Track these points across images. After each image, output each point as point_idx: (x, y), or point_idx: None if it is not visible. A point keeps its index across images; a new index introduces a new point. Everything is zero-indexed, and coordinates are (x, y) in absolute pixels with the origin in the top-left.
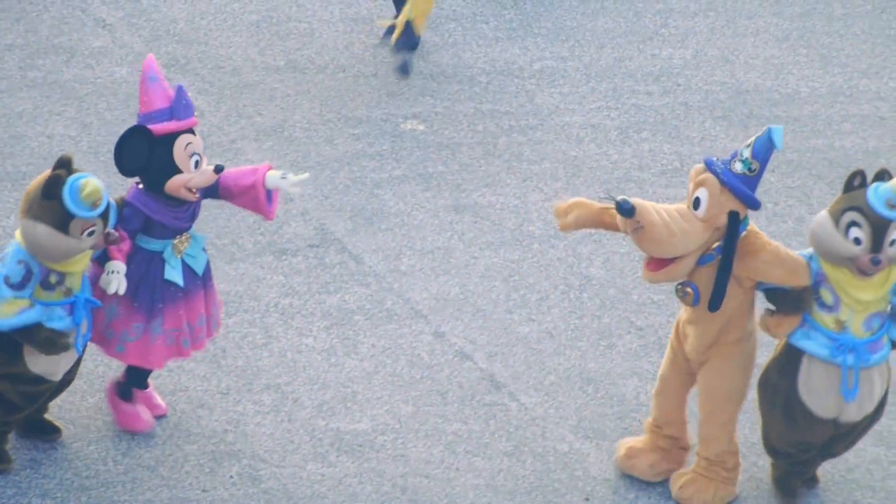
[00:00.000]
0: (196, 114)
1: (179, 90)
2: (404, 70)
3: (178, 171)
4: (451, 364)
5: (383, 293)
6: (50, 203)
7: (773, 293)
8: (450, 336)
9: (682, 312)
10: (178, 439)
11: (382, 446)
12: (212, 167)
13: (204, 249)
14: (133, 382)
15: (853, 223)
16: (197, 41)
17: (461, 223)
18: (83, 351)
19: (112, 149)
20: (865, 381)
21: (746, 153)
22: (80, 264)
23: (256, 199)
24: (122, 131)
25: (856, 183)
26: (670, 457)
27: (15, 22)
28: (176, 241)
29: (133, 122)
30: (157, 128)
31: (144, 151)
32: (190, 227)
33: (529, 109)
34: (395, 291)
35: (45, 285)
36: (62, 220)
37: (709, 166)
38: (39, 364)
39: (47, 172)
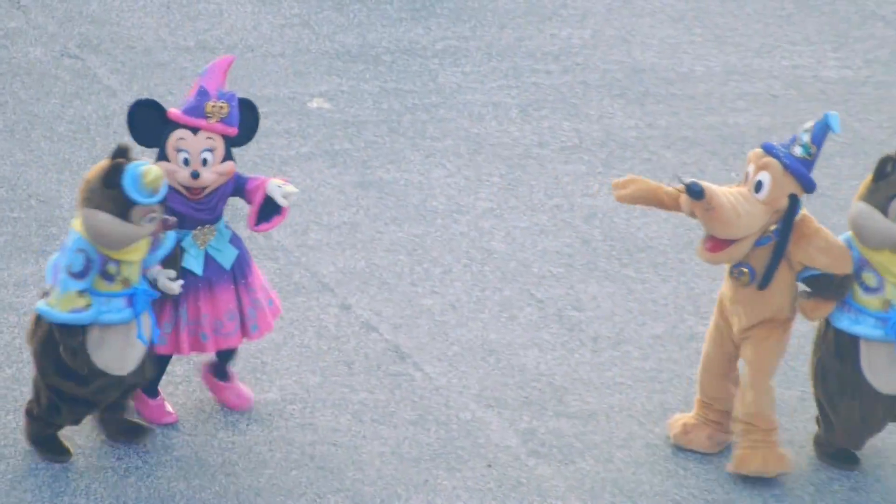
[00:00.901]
0: (109, 95)
1: (202, 91)
2: None
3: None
4: (358, 335)
5: (291, 267)
6: (111, 191)
7: (813, 279)
8: (356, 308)
9: (727, 291)
10: None
11: (291, 415)
12: (189, 172)
13: (233, 243)
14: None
15: None
16: (109, 22)
17: (367, 199)
18: (150, 345)
19: (26, 128)
20: None
21: (806, 138)
22: (138, 253)
23: (254, 203)
24: (35, 112)
25: (888, 169)
26: (724, 428)
27: None
28: (196, 232)
29: (49, 102)
30: (170, 112)
31: (157, 126)
32: (213, 220)
33: (432, 88)
34: (302, 265)
35: (105, 275)
36: (123, 208)
37: (769, 150)
38: (100, 359)
39: (106, 161)
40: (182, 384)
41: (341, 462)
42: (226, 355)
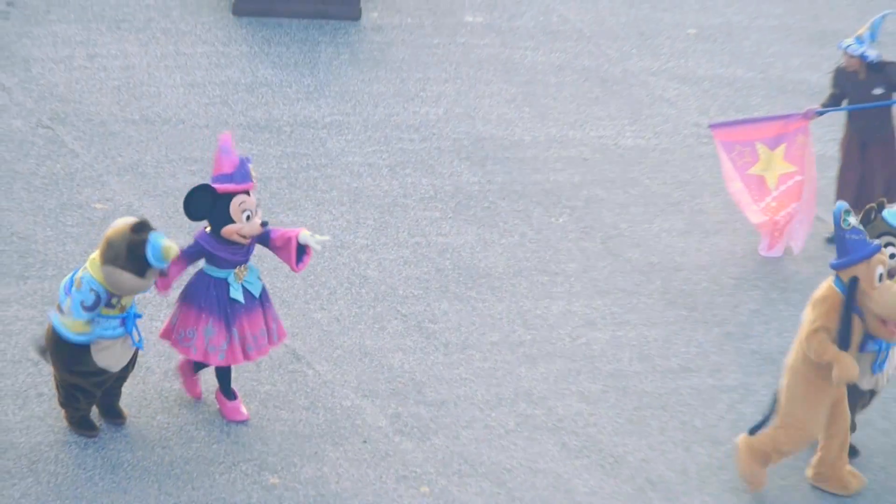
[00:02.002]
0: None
1: (241, 161)
2: None
3: (232, 221)
4: None
5: None
6: (135, 258)
7: None
8: None
9: None
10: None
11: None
12: (259, 221)
13: (259, 277)
14: (220, 382)
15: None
16: (73, 100)
17: None
18: (135, 354)
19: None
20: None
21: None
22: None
23: (289, 251)
24: (16, 169)
25: (872, 216)
26: None
27: None
28: (237, 271)
29: (27, 161)
30: (220, 187)
31: (208, 203)
32: (247, 261)
33: (322, 152)
34: None
35: (108, 305)
36: (142, 270)
37: None
38: (102, 360)
39: (126, 226)
40: (128, 379)
41: (251, 438)
42: (225, 373)
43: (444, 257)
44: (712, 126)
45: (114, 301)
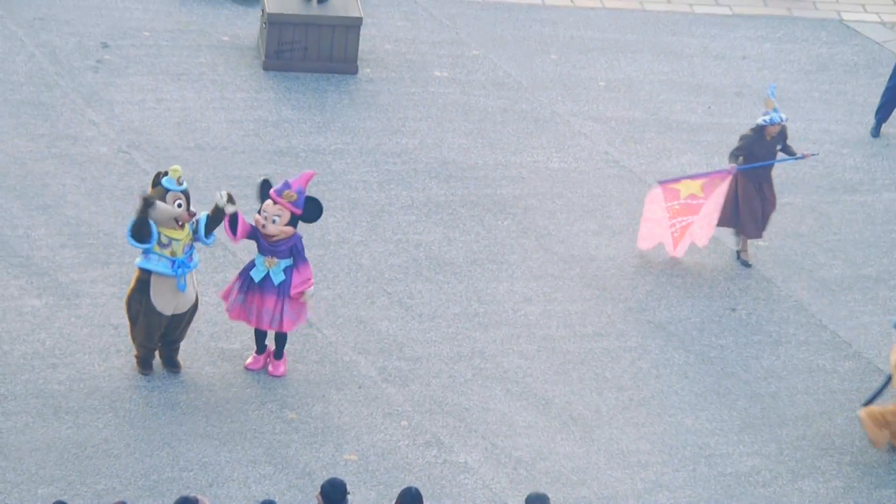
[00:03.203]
0: (151, 176)
1: (286, 183)
2: None
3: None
4: None
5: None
6: (156, 188)
7: None
8: None
9: None
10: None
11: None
12: (272, 228)
13: (283, 272)
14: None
15: None
16: (145, 132)
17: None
18: (185, 315)
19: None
20: None
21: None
22: (180, 235)
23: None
24: (102, 183)
25: None
26: None
27: (44, 121)
28: (267, 258)
29: (110, 178)
30: (271, 192)
31: (265, 192)
32: (278, 256)
33: (328, 171)
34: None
35: (161, 244)
36: (163, 195)
37: None
38: (157, 301)
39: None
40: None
41: (275, 384)
42: (281, 340)
43: (418, 250)
44: (661, 182)
45: (163, 240)
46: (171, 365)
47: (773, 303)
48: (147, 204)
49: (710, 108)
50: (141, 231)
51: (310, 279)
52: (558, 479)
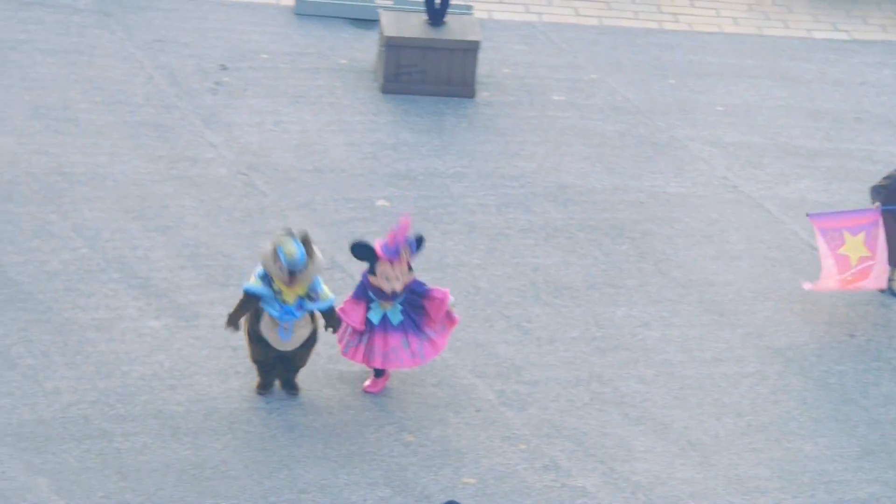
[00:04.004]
0: (269, 198)
1: (396, 243)
2: None
3: (377, 279)
4: None
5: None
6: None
7: None
8: None
9: None
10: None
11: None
12: (397, 286)
13: (401, 312)
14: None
15: None
16: (263, 154)
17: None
18: (296, 353)
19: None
20: None
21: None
22: (290, 296)
23: (439, 311)
24: (221, 205)
25: None
26: None
27: (163, 142)
28: (383, 302)
29: (229, 199)
30: (380, 253)
31: (368, 254)
32: (393, 300)
33: (447, 194)
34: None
35: (273, 289)
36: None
37: None
38: (265, 331)
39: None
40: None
41: (393, 407)
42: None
43: (536, 274)
44: (811, 216)
45: (275, 286)
46: (290, 387)
47: (892, 329)
48: (233, 325)
49: (828, 133)
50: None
51: (443, 292)
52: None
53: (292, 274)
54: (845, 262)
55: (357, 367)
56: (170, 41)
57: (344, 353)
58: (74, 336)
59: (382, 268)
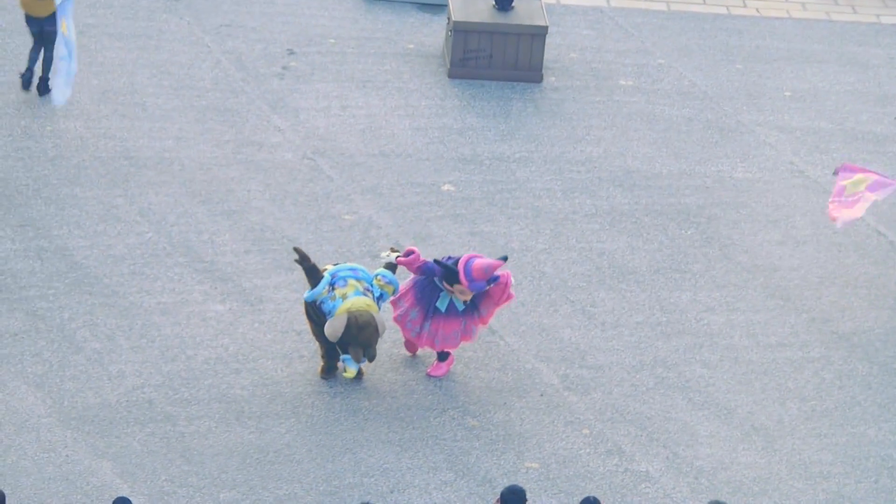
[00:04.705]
0: (335, 183)
1: (482, 279)
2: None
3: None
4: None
5: None
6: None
7: None
8: None
9: None
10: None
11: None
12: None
13: (465, 302)
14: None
15: None
16: (329, 139)
17: (473, 242)
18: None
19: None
20: None
21: None
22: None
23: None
24: (287, 189)
25: None
26: None
27: (230, 127)
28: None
29: (294, 184)
30: (462, 277)
31: (453, 274)
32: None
33: (512, 179)
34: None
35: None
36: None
37: None
38: (327, 328)
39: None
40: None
41: (457, 391)
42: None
43: (602, 258)
44: (841, 168)
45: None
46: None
47: None
48: (300, 254)
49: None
50: (309, 278)
51: (506, 274)
52: (739, 489)
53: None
54: (841, 191)
55: (420, 350)
56: (237, 26)
57: (413, 338)
58: (139, 320)
59: (461, 288)
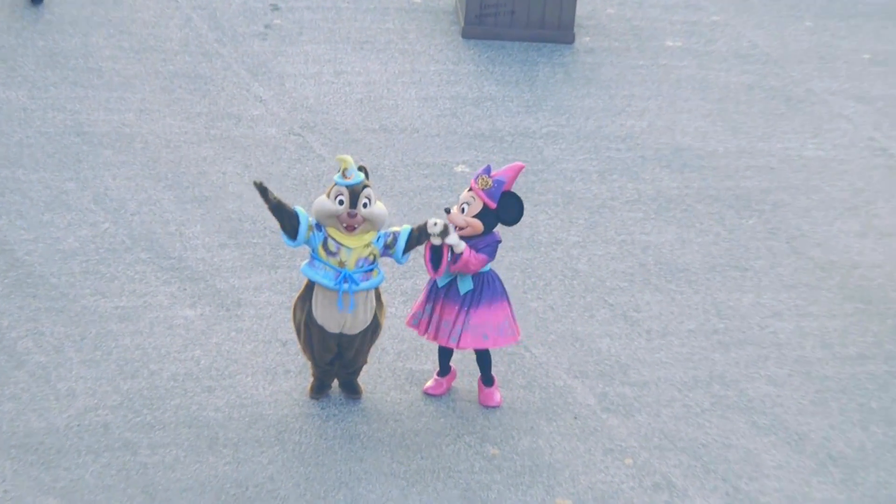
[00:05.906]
0: (314, 157)
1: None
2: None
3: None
4: None
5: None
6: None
7: None
8: None
9: None
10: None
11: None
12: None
13: (472, 282)
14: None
15: None
16: (321, 111)
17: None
18: (355, 339)
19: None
20: None
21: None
22: (354, 243)
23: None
24: (270, 171)
25: None
26: None
27: (202, 97)
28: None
29: (279, 164)
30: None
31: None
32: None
33: (539, 159)
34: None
35: (327, 249)
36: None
37: None
38: (319, 314)
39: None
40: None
41: (474, 413)
42: (484, 362)
43: (646, 253)
44: None
45: (331, 246)
46: (350, 390)
47: None
48: (260, 189)
49: None
50: (281, 222)
51: (471, 261)
52: None
53: (353, 192)
54: None
55: (430, 364)
56: None
57: (413, 325)
58: (93, 328)
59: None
